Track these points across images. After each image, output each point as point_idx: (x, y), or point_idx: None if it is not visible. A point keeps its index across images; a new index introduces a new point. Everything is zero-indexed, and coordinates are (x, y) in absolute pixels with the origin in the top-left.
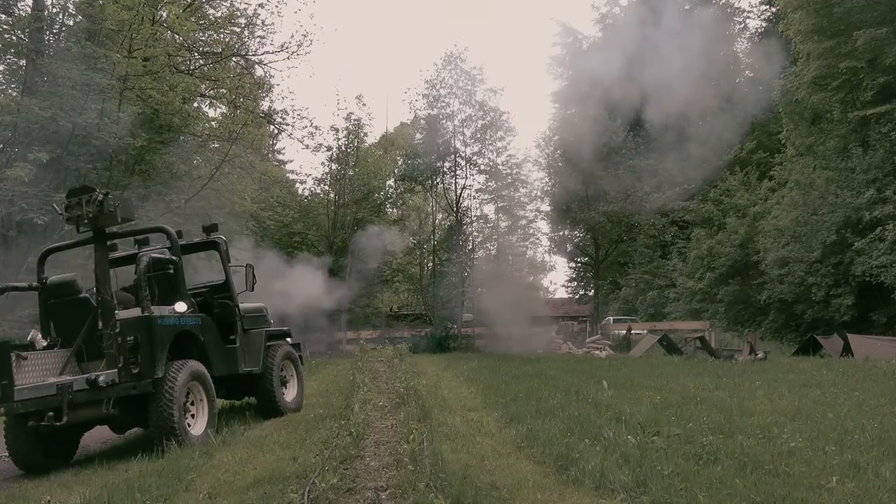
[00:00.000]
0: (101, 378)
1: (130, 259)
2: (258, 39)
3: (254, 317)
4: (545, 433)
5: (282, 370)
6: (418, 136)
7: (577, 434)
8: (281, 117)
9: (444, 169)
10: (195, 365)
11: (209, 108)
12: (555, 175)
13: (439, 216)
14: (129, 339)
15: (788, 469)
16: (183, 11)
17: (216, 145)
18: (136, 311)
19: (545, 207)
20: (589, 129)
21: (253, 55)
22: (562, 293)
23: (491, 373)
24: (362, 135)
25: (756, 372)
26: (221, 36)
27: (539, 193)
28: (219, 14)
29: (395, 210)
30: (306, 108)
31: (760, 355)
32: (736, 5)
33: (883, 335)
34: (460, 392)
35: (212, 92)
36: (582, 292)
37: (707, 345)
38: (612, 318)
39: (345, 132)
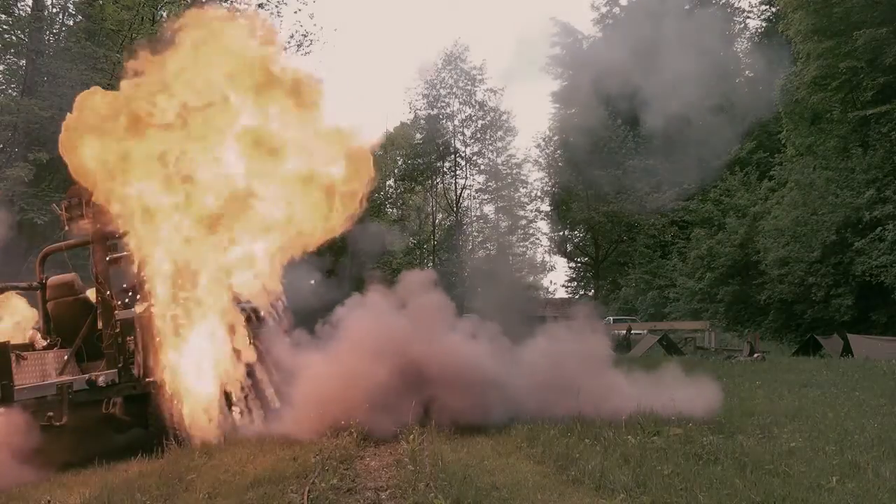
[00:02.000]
0: (101, 378)
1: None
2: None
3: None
4: (545, 433)
5: None
6: (418, 135)
7: (577, 434)
8: None
9: (444, 169)
10: None
11: None
12: (555, 175)
13: (439, 216)
14: (129, 338)
15: (788, 469)
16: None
17: None
18: (136, 311)
19: (545, 207)
20: (589, 129)
21: None
22: (562, 293)
23: None
24: None
25: (756, 372)
26: None
27: (539, 193)
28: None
29: (395, 210)
30: None
31: (758, 356)
32: (736, 5)
33: (883, 335)
34: None
35: None
36: (582, 292)
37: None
38: (612, 318)
39: None
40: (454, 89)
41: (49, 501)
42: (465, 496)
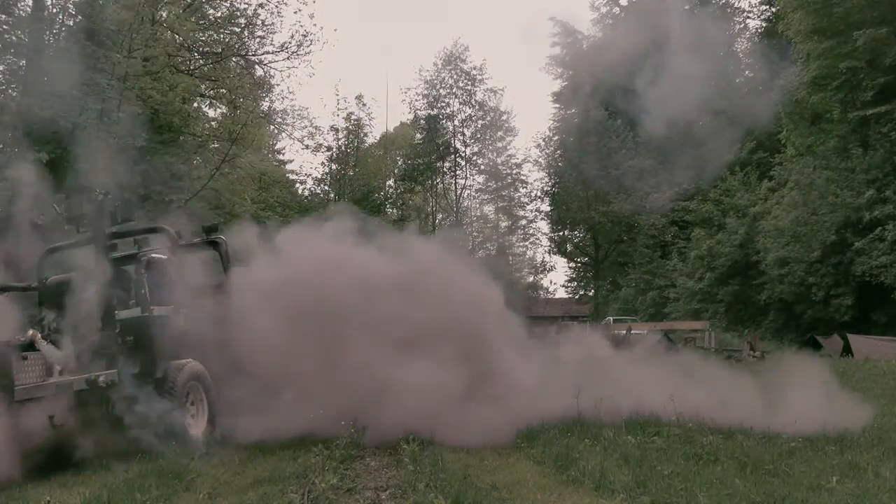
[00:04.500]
0: (101, 378)
1: (130, 259)
2: (258, 39)
3: None
4: (545, 433)
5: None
6: (418, 136)
7: (577, 434)
8: (281, 117)
9: (444, 169)
10: (195, 365)
11: (209, 108)
12: (555, 175)
13: (439, 216)
14: (128, 339)
15: (788, 469)
16: (183, 11)
17: (216, 145)
18: (135, 311)
19: (545, 207)
20: (589, 129)
21: (253, 55)
22: (562, 293)
23: None
24: (362, 135)
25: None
26: (221, 36)
27: (539, 193)
28: (219, 14)
29: (394, 210)
30: (306, 108)
31: (758, 354)
32: (736, 5)
33: (883, 335)
34: None
35: (212, 92)
36: (582, 292)
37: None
38: (611, 318)
39: (345, 132)
40: (454, 89)
41: (49, 501)
42: (465, 496)
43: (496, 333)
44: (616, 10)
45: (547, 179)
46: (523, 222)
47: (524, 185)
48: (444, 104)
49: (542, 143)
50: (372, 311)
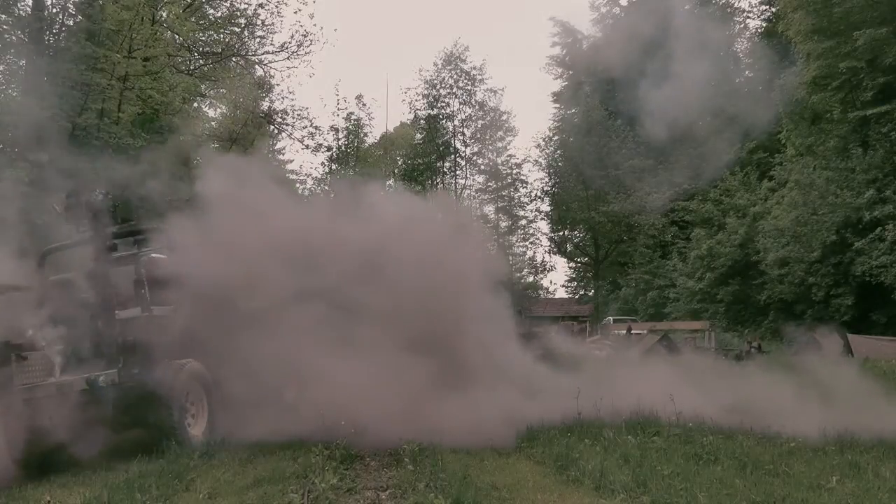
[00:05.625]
0: (101, 378)
1: (130, 259)
2: (258, 39)
3: None
4: (545, 433)
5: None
6: (418, 136)
7: (577, 434)
8: (281, 117)
9: (444, 169)
10: (195, 365)
11: (209, 108)
12: (555, 175)
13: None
14: (128, 339)
15: (788, 469)
16: (183, 11)
17: (216, 145)
18: (135, 311)
19: (545, 207)
20: (589, 129)
21: (253, 55)
22: (562, 293)
23: None
24: (362, 135)
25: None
26: (221, 36)
27: (539, 193)
28: (219, 14)
29: None
30: (306, 108)
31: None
32: (736, 5)
33: (883, 335)
34: None
35: (212, 92)
36: (582, 292)
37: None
38: (611, 318)
39: (345, 132)
40: (454, 89)
41: (49, 501)
42: (465, 496)
43: (475, 318)
44: (616, 10)
45: (547, 179)
46: (523, 222)
47: (524, 185)
48: (444, 104)
49: (542, 143)
50: (303, 289)
